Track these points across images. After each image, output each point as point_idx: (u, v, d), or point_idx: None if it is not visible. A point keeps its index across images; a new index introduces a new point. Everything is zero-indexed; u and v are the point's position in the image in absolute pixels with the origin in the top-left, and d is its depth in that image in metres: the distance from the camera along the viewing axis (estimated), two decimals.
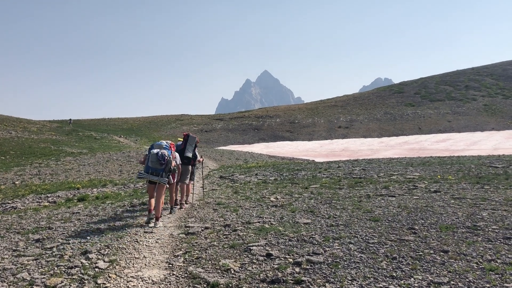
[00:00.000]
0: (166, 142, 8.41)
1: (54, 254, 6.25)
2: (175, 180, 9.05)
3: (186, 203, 10.18)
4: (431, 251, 5.52)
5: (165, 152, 8.09)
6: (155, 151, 8.05)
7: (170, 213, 9.21)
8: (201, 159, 10.84)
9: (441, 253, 5.43)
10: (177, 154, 8.93)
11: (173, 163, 8.36)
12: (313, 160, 27.51)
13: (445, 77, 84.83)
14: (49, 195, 14.16)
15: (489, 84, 75.65)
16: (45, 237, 7.31)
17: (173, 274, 5.33)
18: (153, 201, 8.14)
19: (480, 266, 4.91)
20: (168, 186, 8.68)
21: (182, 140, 9.94)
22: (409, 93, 77.50)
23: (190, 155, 9.79)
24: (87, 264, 5.72)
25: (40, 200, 13.11)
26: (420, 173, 13.72)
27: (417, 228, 6.68)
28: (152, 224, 8.00)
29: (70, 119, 62.89)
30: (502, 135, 38.05)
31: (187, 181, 9.96)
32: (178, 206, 9.67)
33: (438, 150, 29.87)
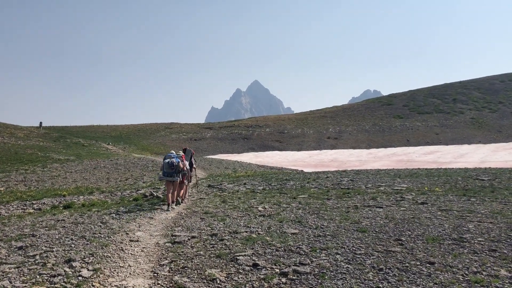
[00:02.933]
0: (176, 154, 11.78)
1: (37, 262, 6.13)
2: (185, 181, 12.20)
3: (183, 201, 12.22)
4: (418, 263, 5.53)
5: (173, 160, 11.19)
6: (166, 160, 11.23)
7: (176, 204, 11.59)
8: (195, 167, 13.84)
9: (428, 264, 5.44)
10: (186, 162, 12.13)
11: (183, 167, 11.63)
12: (302, 170, 27.54)
13: (433, 90, 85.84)
14: (34, 202, 13.94)
15: (476, 97, 76.71)
16: (28, 245, 7.18)
17: (158, 284, 5.25)
18: (170, 195, 11.21)
19: (466, 278, 4.92)
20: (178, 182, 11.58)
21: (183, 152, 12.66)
22: (398, 105, 78.24)
23: (187, 163, 12.40)
24: (70, 272, 5.62)
25: (25, 207, 12.90)
26: (408, 184, 13.80)
27: (404, 239, 6.70)
28: (170, 210, 10.83)
29: (41, 122, 61.99)
30: (489, 148, 38.49)
31: (185, 182, 12.38)
32: (175, 202, 11.61)
33: (426, 162, 30.10)
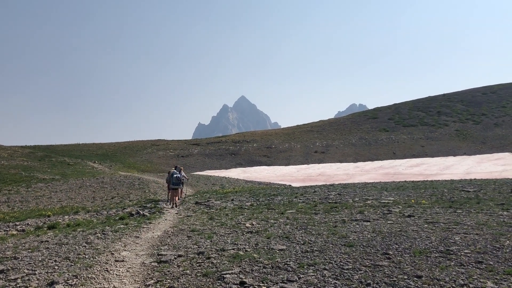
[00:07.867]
0: (177, 170, 17.83)
1: (18, 285, 5.98)
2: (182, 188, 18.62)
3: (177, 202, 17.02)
4: (405, 277, 5.51)
5: (179, 175, 17.02)
6: (175, 175, 16.90)
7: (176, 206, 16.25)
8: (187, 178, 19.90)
9: (415, 278, 5.43)
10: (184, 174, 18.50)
11: (184, 179, 17.91)
12: (290, 185, 27.53)
13: (418, 103, 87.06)
14: (17, 223, 13.68)
15: (459, 110, 77.93)
16: (9, 268, 7.01)
17: None
18: (174, 198, 16.63)
19: None
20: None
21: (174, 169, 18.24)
22: (383, 119, 79.09)
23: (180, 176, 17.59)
24: None
25: (7, 229, 12.64)
26: (395, 197, 13.85)
27: (391, 253, 6.69)
28: (174, 209, 15.52)
29: None
30: (473, 160, 38.97)
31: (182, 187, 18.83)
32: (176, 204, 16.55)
33: (412, 175, 30.34)
